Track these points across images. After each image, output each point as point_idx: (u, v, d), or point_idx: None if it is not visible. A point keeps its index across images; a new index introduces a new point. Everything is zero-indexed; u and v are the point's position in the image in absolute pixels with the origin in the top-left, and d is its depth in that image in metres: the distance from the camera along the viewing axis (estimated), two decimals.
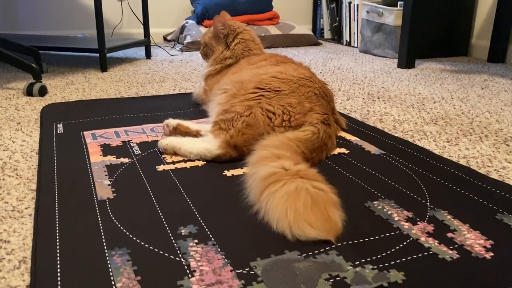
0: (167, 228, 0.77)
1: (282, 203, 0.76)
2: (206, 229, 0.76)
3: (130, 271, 0.65)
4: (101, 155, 1.10)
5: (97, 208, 0.83)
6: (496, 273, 0.66)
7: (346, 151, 1.15)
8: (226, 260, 0.68)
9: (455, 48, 2.92)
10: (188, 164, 1.05)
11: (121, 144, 1.18)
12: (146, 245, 0.71)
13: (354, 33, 3.38)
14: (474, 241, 0.74)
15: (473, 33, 2.94)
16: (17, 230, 0.77)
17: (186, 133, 1.19)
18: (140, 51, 3.00)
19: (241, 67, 1.37)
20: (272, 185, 0.80)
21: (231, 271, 0.65)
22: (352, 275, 0.64)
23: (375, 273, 0.65)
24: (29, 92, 1.73)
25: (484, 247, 0.72)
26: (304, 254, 0.69)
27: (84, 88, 1.89)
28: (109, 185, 0.93)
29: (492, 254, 0.70)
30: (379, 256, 0.69)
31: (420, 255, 0.70)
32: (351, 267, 0.66)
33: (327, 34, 3.76)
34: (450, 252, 0.70)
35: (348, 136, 1.27)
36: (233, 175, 0.99)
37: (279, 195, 0.77)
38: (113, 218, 0.80)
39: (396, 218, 0.81)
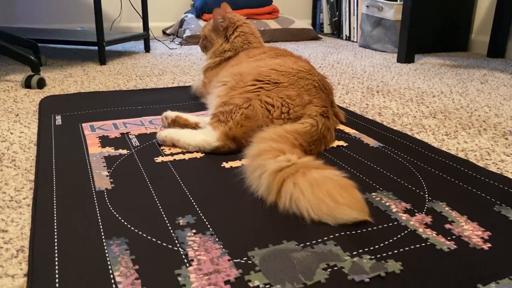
0: (165, 218, 0.77)
1: (311, 191, 0.77)
2: (204, 219, 0.76)
3: (128, 260, 0.65)
4: (99, 146, 1.10)
5: (95, 199, 0.83)
6: (493, 263, 0.66)
7: (345, 144, 1.15)
8: (224, 249, 0.68)
9: (454, 43, 2.92)
10: (187, 156, 1.05)
11: (120, 136, 1.18)
12: (144, 235, 0.71)
13: (353, 28, 3.37)
14: (472, 232, 0.74)
15: (473, 28, 2.94)
16: (15, 220, 0.77)
17: (185, 125, 1.18)
18: (139, 45, 2.99)
19: (240, 60, 1.36)
20: (292, 176, 0.80)
21: (228, 260, 0.65)
22: (349, 265, 0.64)
23: (372, 263, 0.65)
24: (27, 85, 1.72)
25: (482, 238, 0.72)
26: (302, 244, 0.69)
27: (82, 81, 1.88)
28: (107, 176, 0.93)
29: (490, 245, 0.70)
30: (376, 246, 0.69)
31: (417, 245, 0.70)
32: (349, 257, 0.66)
33: (326, 28, 3.75)
34: (448, 243, 0.71)
35: (347, 129, 1.27)
36: (231, 166, 0.99)
37: (305, 185, 0.77)
38: (111, 208, 0.80)
39: (394, 210, 0.81)
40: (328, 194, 0.76)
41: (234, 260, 0.65)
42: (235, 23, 1.48)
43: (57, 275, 0.61)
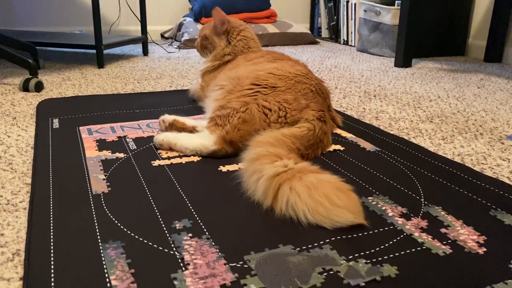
0: (162, 222, 0.77)
1: (308, 194, 0.77)
2: (201, 223, 0.76)
3: (124, 264, 0.65)
4: (96, 150, 1.10)
5: (91, 202, 0.83)
6: (488, 268, 0.66)
7: (342, 148, 1.15)
8: (220, 253, 0.68)
9: (452, 47, 2.93)
10: (184, 160, 1.05)
11: (117, 139, 1.18)
12: (141, 239, 0.71)
13: (351, 32, 3.38)
14: (467, 236, 0.74)
15: (470, 33, 2.95)
16: (11, 223, 0.77)
17: (182, 129, 1.18)
18: (137, 48, 3.00)
19: (238, 64, 1.37)
20: (288, 180, 0.80)
21: (224, 264, 0.65)
22: (345, 269, 0.65)
23: (368, 267, 0.65)
24: (25, 88, 1.72)
25: (477, 242, 0.72)
26: (298, 248, 0.69)
27: (80, 84, 1.88)
28: (104, 179, 0.93)
29: (485, 249, 0.70)
30: (372, 250, 0.69)
31: (413, 250, 0.70)
32: (345, 261, 0.66)
33: (324, 33, 3.77)
34: (443, 247, 0.71)
35: (344, 133, 1.27)
36: (228, 170, 0.99)
37: (301, 188, 0.78)
38: (107, 212, 0.80)
39: (390, 214, 0.81)
40: (325, 197, 0.76)
41: (230, 264, 0.65)
42: (238, 27, 1.47)
43: (52, 279, 0.61)
